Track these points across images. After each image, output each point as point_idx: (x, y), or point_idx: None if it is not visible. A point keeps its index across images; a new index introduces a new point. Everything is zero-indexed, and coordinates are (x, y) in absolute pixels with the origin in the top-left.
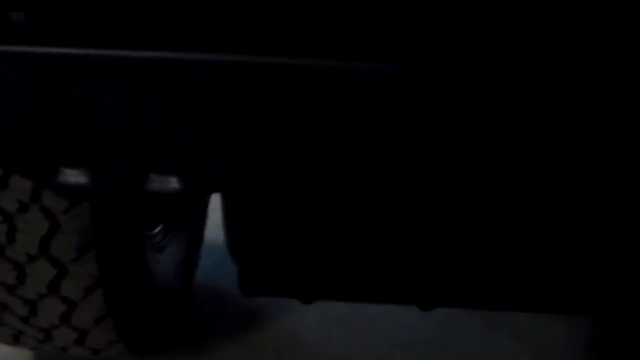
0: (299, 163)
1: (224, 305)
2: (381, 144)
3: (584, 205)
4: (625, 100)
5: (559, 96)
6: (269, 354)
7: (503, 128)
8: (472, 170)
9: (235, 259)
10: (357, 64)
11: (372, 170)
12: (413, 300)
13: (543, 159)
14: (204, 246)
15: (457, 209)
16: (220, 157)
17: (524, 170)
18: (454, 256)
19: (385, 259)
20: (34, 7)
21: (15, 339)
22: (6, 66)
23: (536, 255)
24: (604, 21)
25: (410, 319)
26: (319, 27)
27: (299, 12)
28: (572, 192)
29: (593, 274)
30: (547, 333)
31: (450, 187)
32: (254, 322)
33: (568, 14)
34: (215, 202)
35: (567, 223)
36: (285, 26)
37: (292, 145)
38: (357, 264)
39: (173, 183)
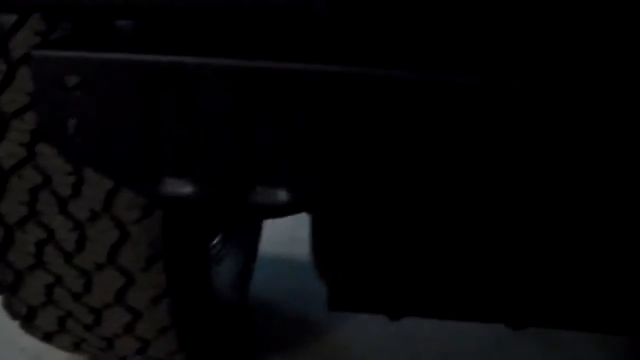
0: (418, 180)
1: (277, 317)
2: (500, 158)
3: None
4: None
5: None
6: None
7: (585, 136)
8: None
9: (322, 275)
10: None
11: (483, 185)
12: (502, 318)
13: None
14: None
15: (552, 224)
16: (334, 172)
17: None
18: (549, 274)
19: (475, 277)
20: (141, 15)
21: (76, 347)
22: (112, 73)
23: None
24: None
25: (468, 336)
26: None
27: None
28: None
29: None
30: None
31: (547, 201)
32: (309, 334)
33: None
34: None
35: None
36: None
37: (416, 162)
38: (446, 282)
39: (280, 196)
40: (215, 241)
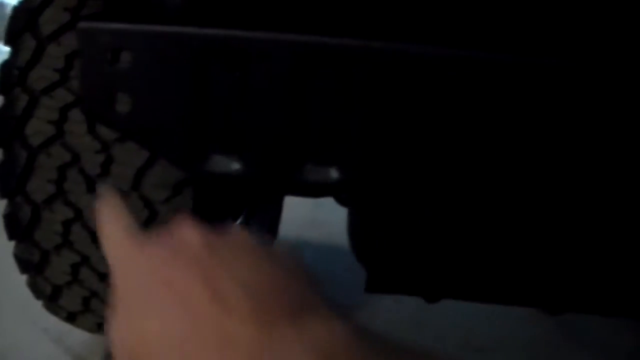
0: (467, 160)
1: None
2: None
3: None
4: None
5: None
6: None
7: None
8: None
9: (360, 257)
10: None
11: (537, 168)
12: (540, 302)
13: None
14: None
15: (597, 207)
16: (386, 151)
17: None
18: (588, 257)
19: (513, 260)
20: None
21: (99, 327)
22: (165, 47)
23: None
24: None
25: (485, 322)
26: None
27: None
28: None
29: None
30: (629, 342)
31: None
32: None
33: None
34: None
35: None
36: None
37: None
38: (485, 265)
39: (332, 174)
40: (238, 221)
